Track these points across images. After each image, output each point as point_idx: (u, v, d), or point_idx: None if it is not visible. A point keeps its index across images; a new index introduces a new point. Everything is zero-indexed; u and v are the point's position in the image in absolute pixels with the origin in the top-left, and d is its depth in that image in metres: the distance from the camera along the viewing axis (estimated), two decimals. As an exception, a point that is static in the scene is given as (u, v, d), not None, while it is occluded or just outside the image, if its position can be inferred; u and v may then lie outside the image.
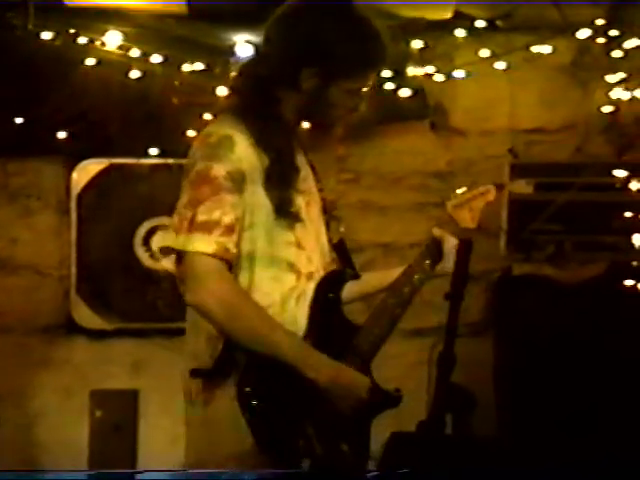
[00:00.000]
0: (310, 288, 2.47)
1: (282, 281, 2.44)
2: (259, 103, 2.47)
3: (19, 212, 4.63)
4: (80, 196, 4.57)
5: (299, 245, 2.46)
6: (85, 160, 4.56)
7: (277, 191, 2.42)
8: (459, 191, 2.74)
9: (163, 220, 4.39)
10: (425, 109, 4.58)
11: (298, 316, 2.45)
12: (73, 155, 4.54)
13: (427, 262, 2.65)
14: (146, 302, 4.50)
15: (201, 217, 2.36)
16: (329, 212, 2.60)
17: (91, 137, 4.48)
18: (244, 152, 2.41)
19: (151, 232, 4.56)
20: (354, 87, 2.50)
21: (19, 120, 4.33)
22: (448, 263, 2.66)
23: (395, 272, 2.65)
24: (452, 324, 2.56)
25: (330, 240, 2.57)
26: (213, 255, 2.35)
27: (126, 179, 4.58)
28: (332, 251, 2.56)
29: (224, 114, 2.51)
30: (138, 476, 2.22)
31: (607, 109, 4.40)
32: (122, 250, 4.56)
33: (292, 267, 2.45)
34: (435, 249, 2.67)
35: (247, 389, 2.33)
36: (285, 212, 2.43)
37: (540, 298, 4.24)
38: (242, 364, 2.36)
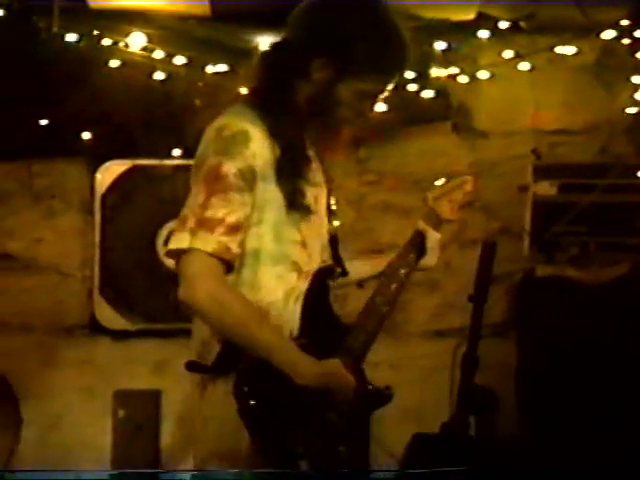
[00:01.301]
0: (304, 285, 2.44)
1: (286, 279, 2.41)
2: (274, 91, 2.42)
3: (43, 213, 4.66)
4: (104, 197, 4.59)
5: (304, 244, 2.43)
6: (109, 161, 4.58)
7: (289, 182, 2.38)
8: (438, 183, 2.73)
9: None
10: (448, 110, 4.58)
11: (296, 314, 2.42)
12: (97, 156, 4.57)
13: (412, 256, 2.63)
14: (168, 303, 4.48)
15: (206, 214, 2.32)
16: (330, 205, 2.55)
17: (115, 138, 4.52)
18: (259, 147, 2.36)
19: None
20: (365, 90, 2.45)
21: (44, 121, 4.37)
22: (430, 259, 2.67)
23: (383, 260, 2.64)
24: (476, 326, 2.57)
25: (329, 233, 2.53)
26: (211, 254, 2.31)
27: (149, 180, 4.60)
28: (328, 246, 2.52)
29: (238, 103, 2.47)
30: (162, 476, 2.22)
31: (631, 110, 4.39)
32: (145, 251, 4.57)
33: (295, 266, 2.42)
34: (420, 242, 2.65)
35: (245, 388, 2.32)
36: (297, 204, 2.39)
37: (563, 300, 4.23)
38: (241, 363, 2.34)
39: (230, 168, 2.33)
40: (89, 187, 4.60)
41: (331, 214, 2.54)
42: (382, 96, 2.50)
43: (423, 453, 4.19)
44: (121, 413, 4.55)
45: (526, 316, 4.32)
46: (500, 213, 4.60)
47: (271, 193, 2.38)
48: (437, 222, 2.69)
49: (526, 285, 4.35)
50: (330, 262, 2.51)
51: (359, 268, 2.67)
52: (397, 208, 4.68)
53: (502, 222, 4.58)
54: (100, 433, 4.54)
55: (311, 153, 2.46)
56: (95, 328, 4.63)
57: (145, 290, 4.58)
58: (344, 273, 2.56)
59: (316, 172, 2.48)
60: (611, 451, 3.84)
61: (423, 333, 4.70)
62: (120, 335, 4.61)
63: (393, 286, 2.58)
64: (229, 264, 2.34)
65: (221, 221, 2.31)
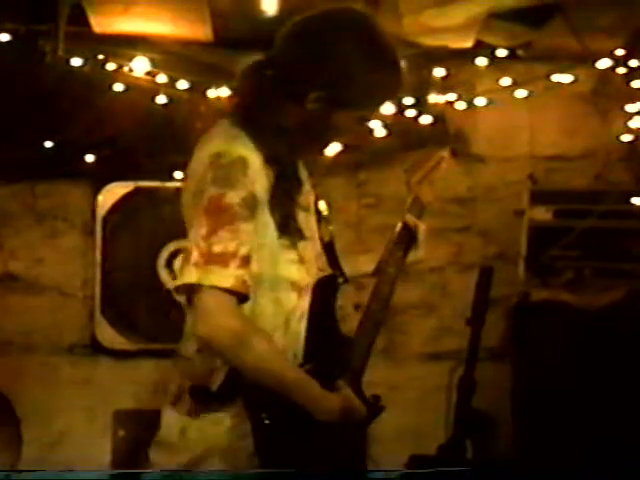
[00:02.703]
0: (307, 301, 2.40)
1: (285, 302, 2.37)
2: (264, 112, 2.35)
3: (46, 233, 4.68)
4: (105, 219, 4.62)
5: (301, 261, 2.38)
6: (111, 183, 4.62)
7: (281, 208, 2.33)
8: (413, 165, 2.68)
9: (186, 243, 4.43)
10: (446, 136, 4.62)
11: (300, 333, 2.39)
12: (100, 178, 4.59)
13: (399, 254, 2.58)
14: (169, 323, 4.52)
15: (216, 248, 2.24)
16: (319, 210, 2.49)
17: (118, 161, 4.55)
18: (257, 173, 2.30)
19: (174, 254, 4.60)
20: (362, 114, 2.44)
21: (48, 144, 4.41)
22: (420, 251, 2.62)
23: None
24: (473, 349, 2.60)
25: (321, 239, 2.47)
26: (230, 290, 2.24)
27: (151, 202, 4.63)
28: (323, 254, 2.46)
29: (225, 121, 2.39)
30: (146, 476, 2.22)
31: (626, 138, 4.44)
32: (146, 272, 4.60)
33: (294, 285, 2.38)
34: (408, 238, 2.60)
35: (263, 414, 2.30)
36: (289, 230, 2.34)
37: (558, 324, 4.24)
38: (247, 386, 2.31)
39: (233, 198, 2.26)
40: (91, 208, 4.63)
41: (322, 219, 2.49)
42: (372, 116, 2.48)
43: (420, 475, 4.20)
44: (121, 433, 4.57)
45: (521, 339, 4.34)
46: (496, 237, 4.65)
47: (266, 216, 2.33)
48: (421, 209, 2.65)
49: (521, 309, 4.37)
50: (328, 270, 2.46)
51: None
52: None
53: (498, 246, 4.62)
54: (100, 452, 4.54)
55: (303, 176, 2.44)
56: (96, 348, 4.65)
57: (146, 310, 4.61)
58: (345, 280, 2.50)
59: (308, 195, 2.45)
60: (608, 472, 3.86)
61: (420, 355, 4.74)
62: (121, 355, 4.63)
63: (385, 289, 2.54)
64: (245, 297, 2.28)
65: (234, 254, 2.24)
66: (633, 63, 4.23)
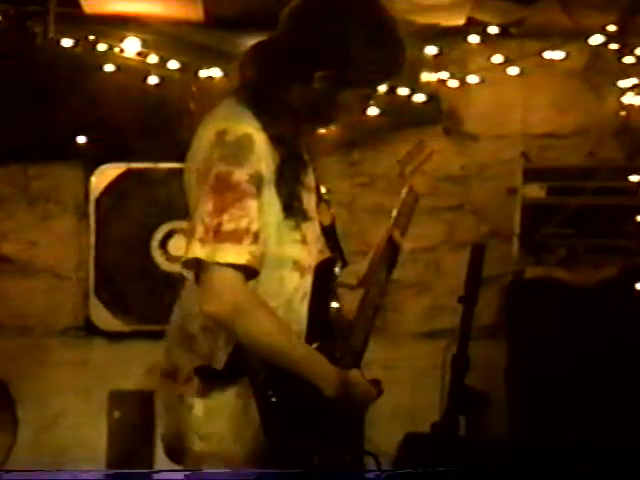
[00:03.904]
0: (309, 282, 2.40)
1: (288, 281, 2.37)
2: (270, 91, 2.36)
3: (39, 216, 4.69)
4: (98, 200, 4.63)
5: (304, 241, 2.39)
6: (104, 165, 4.62)
7: (287, 188, 2.33)
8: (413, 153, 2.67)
9: (180, 224, 4.44)
10: (438, 114, 4.62)
11: (302, 314, 2.39)
12: (92, 160, 4.60)
13: (384, 274, 2.58)
14: (163, 304, 4.51)
15: (228, 226, 2.24)
16: (319, 193, 2.49)
17: (110, 142, 4.55)
18: (263, 151, 2.30)
19: (168, 236, 4.61)
20: (368, 92, 2.45)
21: (40, 125, 4.40)
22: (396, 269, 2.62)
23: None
24: (466, 327, 2.59)
25: (320, 223, 2.47)
26: (245, 266, 2.24)
27: (143, 183, 4.63)
28: (322, 236, 2.46)
29: (232, 100, 2.37)
30: (155, 476, 2.21)
31: (619, 114, 4.44)
32: (139, 253, 4.61)
33: (296, 265, 2.38)
34: (392, 255, 2.62)
35: (270, 390, 2.30)
36: (293, 210, 2.34)
37: (552, 301, 4.26)
38: (253, 365, 2.31)
39: (241, 175, 2.26)
40: (84, 190, 4.64)
41: (322, 202, 2.49)
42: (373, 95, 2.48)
43: (414, 452, 4.22)
44: (116, 413, 4.58)
45: (516, 317, 4.35)
46: (490, 215, 4.65)
47: (273, 196, 2.33)
48: (416, 199, 2.68)
49: (515, 286, 4.38)
50: (328, 253, 2.47)
51: None
52: (389, 210, 4.71)
53: (492, 224, 4.62)
54: (95, 433, 4.56)
55: (306, 157, 2.43)
56: (90, 330, 4.66)
57: (140, 292, 4.61)
58: (345, 263, 2.52)
59: (310, 176, 2.45)
60: (602, 450, 3.88)
61: (414, 334, 4.75)
62: (115, 336, 4.64)
63: (383, 274, 2.57)
64: (256, 273, 2.29)
65: (247, 230, 2.25)
66: (625, 39, 4.23)
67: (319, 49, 2.36)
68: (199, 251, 2.26)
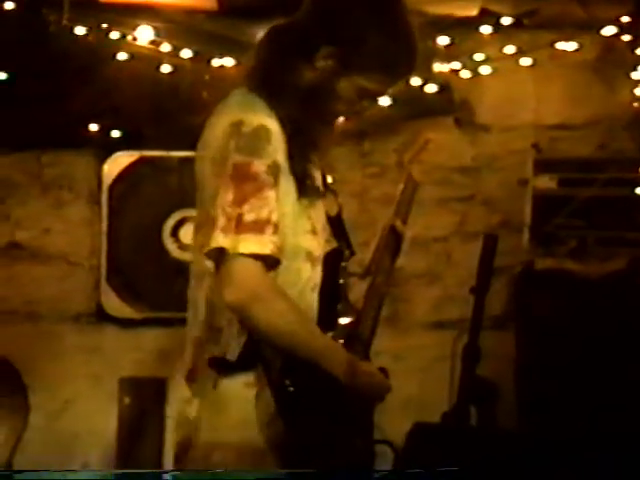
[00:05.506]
0: (319, 272, 2.41)
1: (302, 272, 2.38)
2: (279, 73, 2.36)
3: (52, 203, 4.71)
4: (111, 188, 4.65)
5: (314, 231, 2.40)
6: (116, 152, 4.63)
7: (298, 166, 2.34)
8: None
9: (191, 212, 4.43)
10: (450, 105, 4.62)
11: (313, 304, 2.39)
12: (105, 147, 4.61)
13: (387, 263, 2.60)
14: (174, 292, 4.54)
15: (248, 217, 2.25)
16: (325, 183, 2.49)
17: (122, 130, 4.56)
18: (278, 140, 2.31)
19: (179, 223, 4.63)
20: (366, 88, 2.40)
21: (53, 113, 4.41)
22: (401, 258, 2.64)
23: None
24: (477, 317, 2.61)
25: (327, 213, 2.46)
26: (268, 256, 2.26)
27: (156, 171, 4.65)
28: (327, 226, 2.45)
29: (244, 89, 2.38)
30: (165, 476, 2.21)
31: (632, 105, 4.43)
32: (151, 241, 4.62)
33: (309, 255, 2.39)
34: (395, 244, 2.63)
35: (286, 380, 2.30)
36: (307, 188, 2.35)
37: (562, 292, 4.26)
38: (267, 356, 2.32)
39: (260, 167, 2.28)
40: (97, 178, 4.66)
41: (329, 192, 2.49)
42: (381, 97, 2.50)
43: (423, 442, 4.23)
44: (127, 400, 4.60)
45: (525, 308, 4.35)
46: (500, 206, 4.65)
47: (288, 185, 2.34)
48: (415, 186, 2.69)
49: (525, 278, 4.37)
50: (334, 243, 2.47)
51: None
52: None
53: (502, 215, 4.62)
54: (106, 420, 4.58)
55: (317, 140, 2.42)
56: (102, 316, 4.68)
57: (151, 279, 4.63)
58: (352, 253, 2.52)
59: (317, 164, 2.43)
60: (612, 440, 3.88)
61: (424, 324, 4.76)
62: (126, 323, 4.66)
63: (387, 263, 2.59)
64: (278, 263, 2.30)
65: (268, 221, 2.26)
66: (638, 30, 4.23)
67: (328, 22, 2.36)
68: (222, 240, 2.26)
